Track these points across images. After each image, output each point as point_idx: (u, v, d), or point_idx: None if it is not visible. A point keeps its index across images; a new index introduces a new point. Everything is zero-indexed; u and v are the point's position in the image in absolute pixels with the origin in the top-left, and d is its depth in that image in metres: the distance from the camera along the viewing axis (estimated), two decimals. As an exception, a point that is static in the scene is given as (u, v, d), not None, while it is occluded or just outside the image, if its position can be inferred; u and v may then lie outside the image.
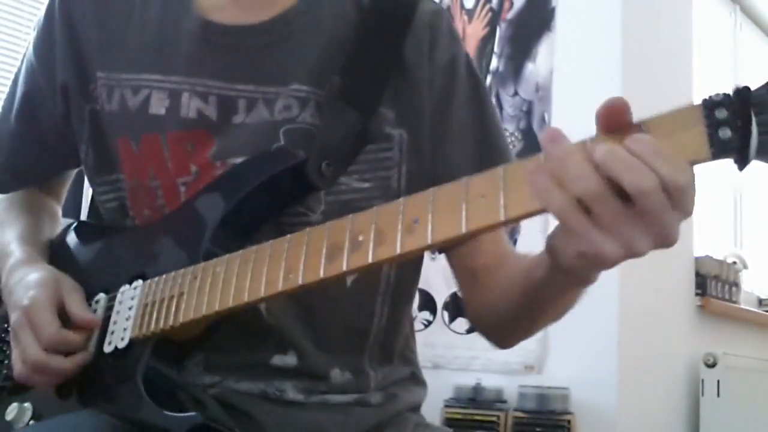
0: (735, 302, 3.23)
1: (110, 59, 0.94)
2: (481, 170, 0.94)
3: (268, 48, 0.92)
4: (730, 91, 0.59)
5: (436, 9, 0.98)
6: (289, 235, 0.78)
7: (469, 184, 0.68)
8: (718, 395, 2.81)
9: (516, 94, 2.77)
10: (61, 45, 0.97)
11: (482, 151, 0.96)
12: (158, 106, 0.92)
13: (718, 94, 0.59)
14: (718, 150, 0.58)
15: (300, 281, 0.74)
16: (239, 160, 0.90)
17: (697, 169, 0.60)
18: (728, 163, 0.60)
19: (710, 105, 0.59)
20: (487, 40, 2.86)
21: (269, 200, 0.88)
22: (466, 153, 0.95)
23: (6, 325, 0.97)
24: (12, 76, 1.07)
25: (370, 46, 0.93)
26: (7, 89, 1.07)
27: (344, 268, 0.72)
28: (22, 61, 1.05)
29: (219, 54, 0.92)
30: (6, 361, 0.94)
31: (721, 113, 0.58)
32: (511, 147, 1.02)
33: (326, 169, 0.86)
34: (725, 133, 0.58)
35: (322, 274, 0.73)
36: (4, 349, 0.95)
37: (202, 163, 0.90)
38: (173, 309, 0.82)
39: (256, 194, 0.86)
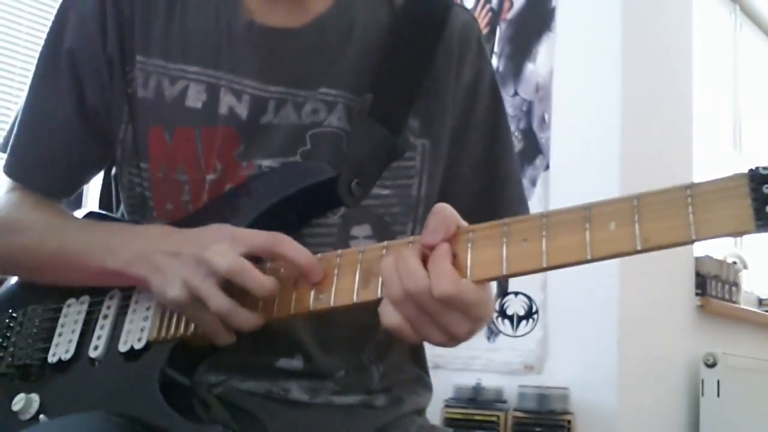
0: (735, 302, 3.23)
1: (151, 44, 0.93)
2: (484, 188, 0.98)
3: (302, 53, 0.92)
4: None
5: (467, 20, 0.99)
6: (319, 254, 0.78)
7: (510, 225, 0.69)
8: (718, 395, 2.81)
9: (516, 94, 2.77)
10: (111, 18, 0.94)
11: (489, 170, 0.99)
12: (195, 99, 0.91)
13: (765, 168, 0.61)
14: (764, 224, 0.60)
15: (332, 303, 0.74)
16: (266, 162, 0.90)
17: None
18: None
19: (758, 179, 0.61)
20: (487, 40, 2.86)
21: (295, 212, 0.88)
22: (474, 167, 0.98)
23: (10, 311, 0.96)
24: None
25: (402, 54, 0.93)
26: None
27: (378, 294, 0.72)
28: (59, 22, 0.97)
29: (258, 55, 0.92)
30: (10, 348, 0.93)
31: None
32: (518, 166, 1.05)
33: (356, 188, 0.87)
34: None
35: (355, 299, 0.73)
36: (8, 335, 0.95)
37: (228, 162, 0.90)
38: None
39: (283, 206, 0.87)
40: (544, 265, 0.67)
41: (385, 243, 0.75)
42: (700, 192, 0.62)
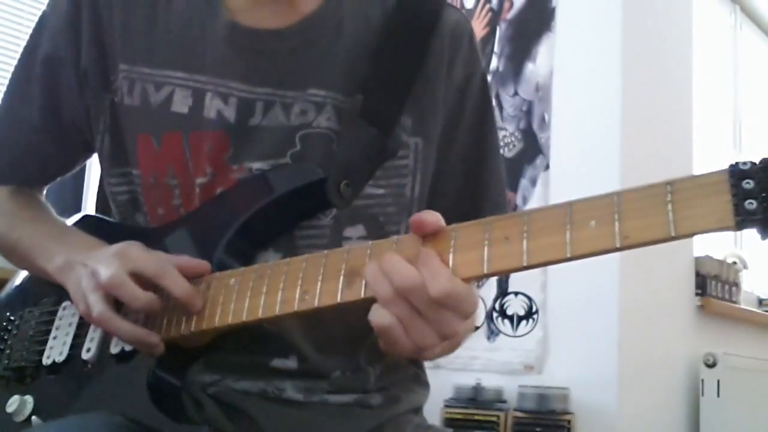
0: (735, 302, 3.23)
1: (134, 52, 0.93)
2: (468, 186, 0.99)
3: (289, 53, 0.92)
4: (757, 161, 0.61)
5: (459, 19, 0.99)
6: (306, 255, 0.78)
7: (492, 224, 0.69)
8: (718, 395, 2.81)
9: (516, 94, 2.77)
10: (87, 30, 0.95)
11: (474, 168, 1.00)
12: (181, 104, 0.91)
13: (745, 163, 0.61)
14: (743, 220, 0.59)
15: (316, 303, 0.74)
16: (255, 164, 0.90)
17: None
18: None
19: (738, 174, 0.60)
20: (487, 40, 2.86)
21: (285, 214, 0.88)
22: (460, 165, 0.99)
23: (8, 314, 0.97)
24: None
25: (394, 53, 0.93)
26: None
27: (362, 295, 0.72)
28: (36, 30, 1.00)
29: (243, 57, 0.92)
30: (7, 351, 0.94)
31: (748, 184, 0.59)
32: (502, 165, 1.05)
33: (345, 190, 0.87)
34: (751, 205, 0.59)
35: (339, 299, 0.73)
36: (5, 338, 0.95)
37: (218, 165, 0.90)
38: (184, 317, 0.82)
39: (272, 207, 0.87)
40: (525, 264, 0.67)
41: (370, 243, 0.75)
42: (680, 188, 0.62)
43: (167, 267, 0.81)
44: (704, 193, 0.61)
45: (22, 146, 1.01)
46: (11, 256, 0.99)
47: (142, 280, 0.81)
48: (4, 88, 1.01)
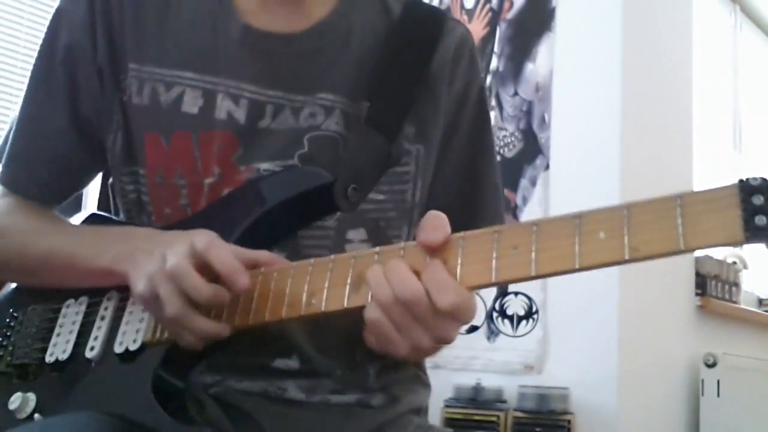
0: (735, 302, 3.23)
1: (144, 51, 0.93)
2: (464, 196, 1.00)
3: (300, 58, 0.93)
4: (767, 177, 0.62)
5: (462, 32, 1.01)
6: (313, 259, 0.78)
7: (501, 233, 0.70)
8: (718, 395, 2.81)
9: (516, 94, 2.77)
10: (100, 28, 0.95)
11: (469, 177, 1.01)
12: (191, 104, 0.92)
13: (755, 179, 0.61)
14: (752, 236, 0.60)
15: (323, 308, 0.75)
16: (263, 165, 0.90)
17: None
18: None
19: (748, 190, 0.61)
20: (487, 40, 2.86)
21: (292, 216, 0.89)
22: (456, 173, 1.00)
23: (11, 310, 0.97)
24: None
25: (398, 63, 0.95)
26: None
27: (369, 300, 0.73)
28: (53, 25, 0.98)
29: (256, 59, 0.92)
30: (10, 347, 0.94)
31: (758, 200, 0.60)
32: (499, 175, 1.06)
33: (352, 194, 0.88)
34: (761, 220, 0.60)
35: (345, 304, 0.74)
36: (8, 334, 0.95)
37: (226, 166, 0.91)
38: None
39: (280, 210, 0.87)
40: (533, 274, 0.67)
41: (377, 249, 0.76)
42: (690, 202, 0.63)
43: (216, 242, 0.78)
44: (714, 207, 0.61)
45: (46, 156, 0.98)
46: (36, 272, 0.94)
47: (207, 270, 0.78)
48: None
